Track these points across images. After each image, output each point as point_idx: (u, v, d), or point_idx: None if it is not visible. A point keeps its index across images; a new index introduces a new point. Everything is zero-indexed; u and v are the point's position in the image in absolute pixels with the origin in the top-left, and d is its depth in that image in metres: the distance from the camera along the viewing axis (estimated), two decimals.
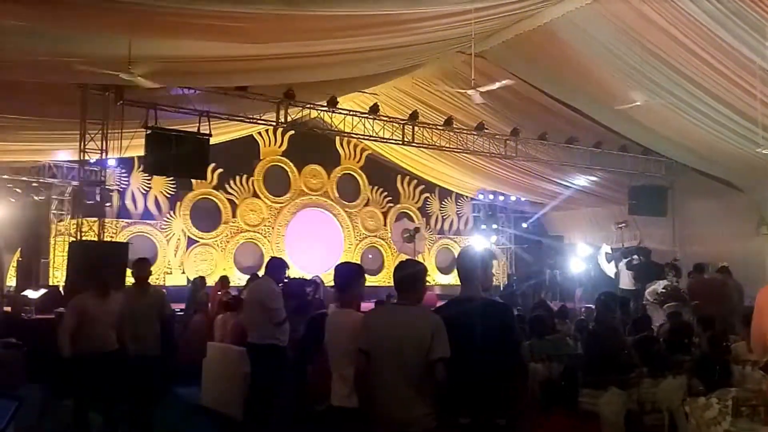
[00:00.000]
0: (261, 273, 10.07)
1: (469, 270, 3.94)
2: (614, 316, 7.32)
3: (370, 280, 16.74)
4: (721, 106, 10.64)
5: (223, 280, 11.71)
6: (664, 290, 10.01)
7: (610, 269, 14.52)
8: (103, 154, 10.70)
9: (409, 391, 3.63)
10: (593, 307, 10.11)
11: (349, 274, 4.48)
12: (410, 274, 3.94)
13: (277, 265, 7.28)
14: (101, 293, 6.49)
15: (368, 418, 3.78)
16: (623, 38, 9.52)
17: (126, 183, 15.29)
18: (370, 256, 18.77)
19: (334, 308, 5.01)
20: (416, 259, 5.66)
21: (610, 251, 15.15)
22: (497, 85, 9.87)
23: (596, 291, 11.51)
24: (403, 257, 13.12)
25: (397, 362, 3.66)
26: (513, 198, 20.05)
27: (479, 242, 18.74)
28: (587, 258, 16.84)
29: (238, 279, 15.70)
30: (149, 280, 7.44)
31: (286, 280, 7.86)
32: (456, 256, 4.24)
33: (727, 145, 12.07)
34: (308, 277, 15.62)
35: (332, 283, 4.82)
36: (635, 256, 12.94)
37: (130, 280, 12.00)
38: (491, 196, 19.99)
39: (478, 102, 10.33)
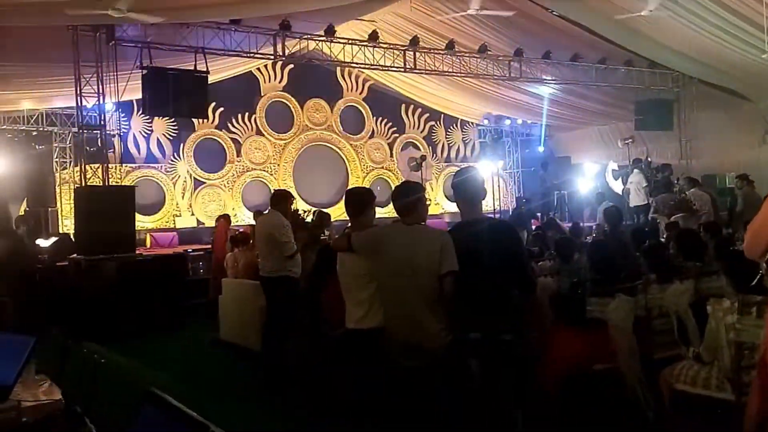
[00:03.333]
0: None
1: (473, 192, 3.92)
2: (620, 227, 7.31)
3: (379, 213, 16.75)
4: (727, 14, 10.37)
5: (227, 218, 11.66)
6: (672, 203, 9.99)
7: (617, 186, 14.47)
8: (100, 98, 10.54)
9: (422, 307, 3.66)
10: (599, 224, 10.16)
11: (360, 199, 4.45)
12: (410, 198, 3.93)
13: (282, 197, 7.27)
14: None
15: (384, 336, 3.84)
16: None
17: (127, 127, 15.17)
18: (378, 188, 18.68)
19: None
20: (412, 181, 5.65)
21: (617, 168, 15.08)
22: (502, 14, 9.60)
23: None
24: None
25: (408, 279, 3.68)
26: (519, 121, 19.84)
27: (486, 167, 18.61)
28: (594, 176, 16.79)
29: (248, 218, 15.76)
30: None
31: (292, 211, 7.83)
32: (455, 178, 4.17)
33: (733, 54, 11.86)
34: (312, 211, 15.74)
35: (340, 217, 4.75)
36: (660, 173, 12.90)
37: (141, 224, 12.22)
38: (497, 121, 19.79)
39: (475, 8, 10.02)
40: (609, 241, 5.73)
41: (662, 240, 7.88)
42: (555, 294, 5.21)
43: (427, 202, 4.13)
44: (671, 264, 5.18)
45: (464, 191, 3.93)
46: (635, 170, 13.14)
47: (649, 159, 14.14)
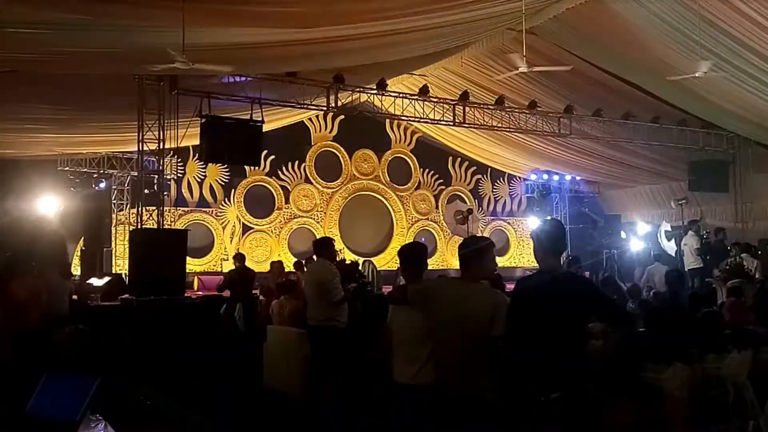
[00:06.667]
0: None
1: (551, 243, 3.84)
2: (681, 293, 7.15)
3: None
4: None
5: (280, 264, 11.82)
6: (727, 267, 9.75)
7: (670, 247, 14.17)
8: (161, 144, 10.92)
9: (472, 366, 3.63)
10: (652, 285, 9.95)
11: (416, 254, 4.46)
12: (473, 249, 3.91)
13: (326, 244, 7.31)
14: None
15: (434, 393, 3.79)
16: (678, 7, 9.21)
17: (182, 172, 15.60)
18: (423, 239, 18.69)
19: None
20: (483, 236, 5.62)
21: (670, 229, 14.78)
22: (556, 68, 9.67)
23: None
24: (457, 240, 13.07)
25: (457, 337, 3.66)
26: (567, 177, 19.68)
27: (533, 223, 18.47)
28: (646, 236, 16.47)
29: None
30: None
31: (338, 260, 7.88)
32: (537, 228, 4.15)
33: None
34: (360, 261, 15.82)
35: (384, 267, 4.77)
36: (709, 233, 12.68)
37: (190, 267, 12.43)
38: (545, 176, 19.64)
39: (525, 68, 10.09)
40: (669, 306, 5.59)
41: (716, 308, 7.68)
42: (607, 358, 5.09)
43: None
44: (728, 333, 5.05)
45: (543, 241, 3.87)
46: (690, 232, 12.85)
47: (699, 222, 13.83)
